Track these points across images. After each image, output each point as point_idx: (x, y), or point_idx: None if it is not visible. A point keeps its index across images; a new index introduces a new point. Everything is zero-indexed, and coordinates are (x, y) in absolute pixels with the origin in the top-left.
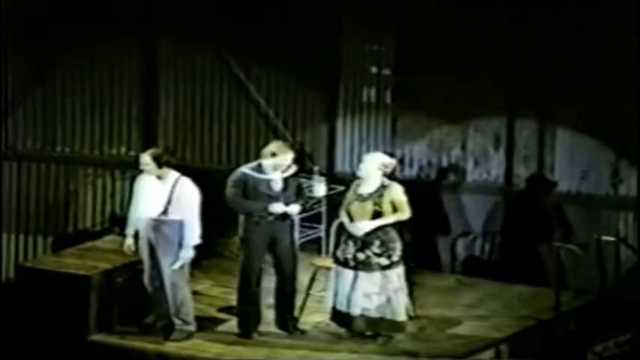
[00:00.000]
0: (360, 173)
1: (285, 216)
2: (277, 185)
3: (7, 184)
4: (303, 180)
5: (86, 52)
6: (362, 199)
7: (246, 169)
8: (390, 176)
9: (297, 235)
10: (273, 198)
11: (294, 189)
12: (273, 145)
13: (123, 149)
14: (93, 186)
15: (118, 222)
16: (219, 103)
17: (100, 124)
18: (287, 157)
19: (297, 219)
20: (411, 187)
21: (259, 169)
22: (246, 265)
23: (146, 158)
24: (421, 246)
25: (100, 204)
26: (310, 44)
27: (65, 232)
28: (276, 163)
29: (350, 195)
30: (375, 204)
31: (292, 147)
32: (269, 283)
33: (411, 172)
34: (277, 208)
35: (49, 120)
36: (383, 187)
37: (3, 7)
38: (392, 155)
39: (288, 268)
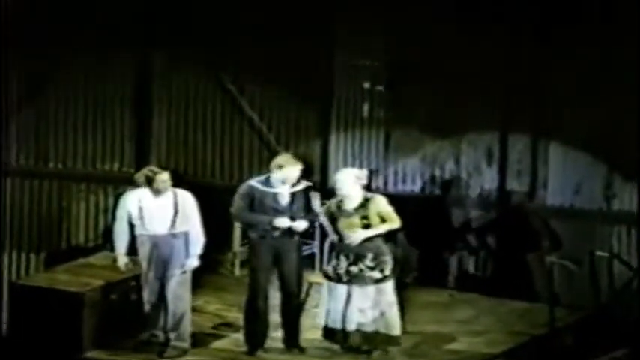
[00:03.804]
0: (341, 192)
1: (291, 232)
2: (284, 199)
3: None
4: (312, 195)
5: (79, 68)
6: (348, 214)
7: (253, 181)
8: (369, 188)
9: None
10: (280, 212)
11: (302, 205)
12: (281, 158)
13: (116, 165)
14: (86, 202)
15: (110, 238)
16: (212, 118)
17: (93, 140)
18: (295, 169)
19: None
20: (404, 201)
21: (267, 182)
22: (253, 281)
23: (166, 175)
24: (414, 260)
25: (92, 220)
26: (303, 59)
27: (58, 249)
28: (284, 177)
29: (335, 212)
30: (363, 217)
31: (301, 160)
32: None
33: (404, 187)
34: (282, 222)
35: (42, 136)
36: (366, 200)
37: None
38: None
39: (292, 285)
